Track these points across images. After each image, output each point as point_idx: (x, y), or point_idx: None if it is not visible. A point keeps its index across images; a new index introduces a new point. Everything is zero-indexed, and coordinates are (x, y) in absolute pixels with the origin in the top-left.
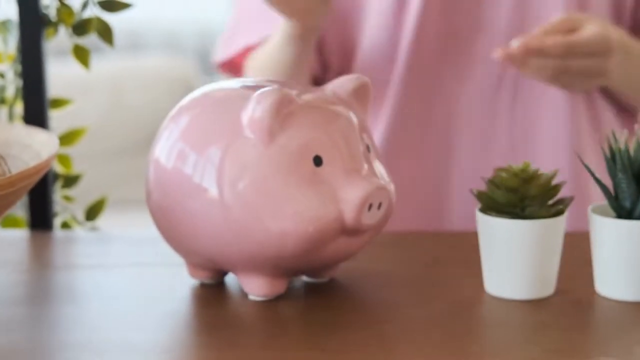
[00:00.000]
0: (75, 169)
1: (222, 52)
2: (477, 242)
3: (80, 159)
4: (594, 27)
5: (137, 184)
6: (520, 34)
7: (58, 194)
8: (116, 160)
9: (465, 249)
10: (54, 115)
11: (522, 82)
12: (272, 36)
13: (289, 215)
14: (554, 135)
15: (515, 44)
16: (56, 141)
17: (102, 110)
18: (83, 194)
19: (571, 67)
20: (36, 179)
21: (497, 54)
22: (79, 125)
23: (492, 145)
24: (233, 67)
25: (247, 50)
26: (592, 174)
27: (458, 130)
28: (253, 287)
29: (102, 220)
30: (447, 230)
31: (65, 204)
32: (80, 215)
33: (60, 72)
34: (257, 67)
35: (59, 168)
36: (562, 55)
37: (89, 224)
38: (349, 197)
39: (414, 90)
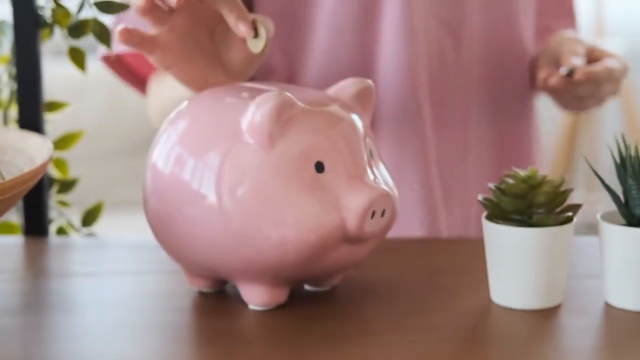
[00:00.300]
0: (72, 171)
1: (103, 49)
2: (483, 250)
3: (78, 160)
4: (611, 52)
5: (136, 185)
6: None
7: (54, 199)
8: (114, 161)
9: (470, 257)
10: (51, 118)
11: (492, 89)
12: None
13: (290, 223)
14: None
15: (565, 72)
16: (51, 146)
17: (99, 111)
18: (80, 197)
19: (604, 91)
20: (30, 185)
21: (553, 80)
22: (76, 128)
23: (469, 153)
24: (117, 62)
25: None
26: (602, 181)
27: (443, 139)
28: (253, 297)
29: (99, 223)
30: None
31: (61, 209)
32: (77, 219)
33: (57, 73)
34: (160, 110)
35: (54, 172)
36: (605, 81)
37: (86, 229)
38: (352, 205)
39: (401, 102)
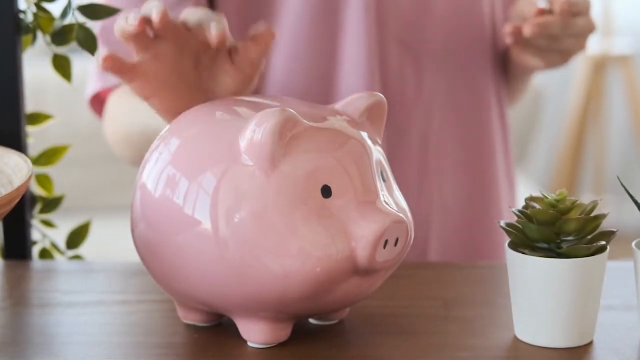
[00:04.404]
0: (70, 172)
1: (94, 85)
2: (498, 274)
3: (75, 162)
4: None
5: (130, 189)
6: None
7: (37, 218)
8: (112, 163)
9: (492, 285)
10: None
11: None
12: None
13: (294, 254)
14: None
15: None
16: (31, 166)
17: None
18: (79, 197)
19: (578, 27)
20: (5, 210)
21: (527, 29)
22: (67, 132)
23: (428, 169)
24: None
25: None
26: (632, 197)
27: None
28: (252, 334)
29: (96, 225)
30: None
31: (45, 230)
32: (65, 227)
33: (49, 74)
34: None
35: (38, 189)
36: (584, 11)
37: (71, 252)
38: (362, 233)
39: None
